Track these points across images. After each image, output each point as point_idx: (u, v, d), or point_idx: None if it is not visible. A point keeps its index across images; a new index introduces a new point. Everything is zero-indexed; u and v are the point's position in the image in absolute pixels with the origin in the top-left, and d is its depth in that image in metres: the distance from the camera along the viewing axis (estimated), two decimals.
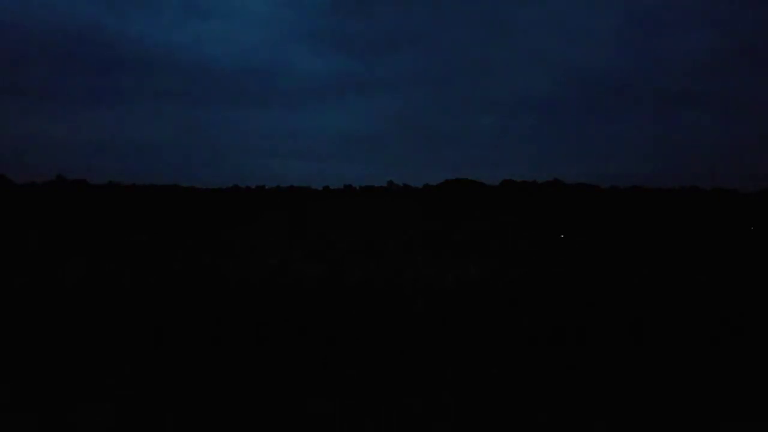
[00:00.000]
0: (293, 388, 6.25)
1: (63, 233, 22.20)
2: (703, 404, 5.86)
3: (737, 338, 8.21)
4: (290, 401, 5.90)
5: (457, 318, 9.32)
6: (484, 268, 15.10)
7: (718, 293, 11.57)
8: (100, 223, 29.79)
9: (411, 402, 5.89)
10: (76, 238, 20.65)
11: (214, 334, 8.01)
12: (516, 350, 7.63)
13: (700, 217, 39.16)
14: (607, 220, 36.67)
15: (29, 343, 7.73)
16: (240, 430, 5.33)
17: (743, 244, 21.40)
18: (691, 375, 6.70)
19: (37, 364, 6.95)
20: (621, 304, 10.39)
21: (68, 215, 34.47)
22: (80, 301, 9.56)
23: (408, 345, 7.76)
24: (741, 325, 8.91)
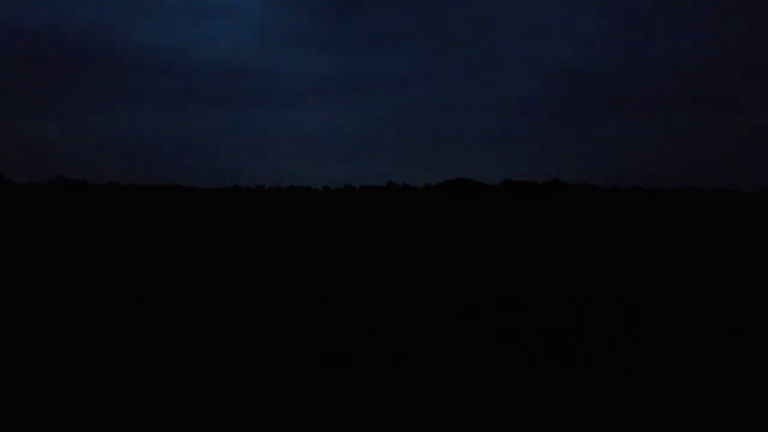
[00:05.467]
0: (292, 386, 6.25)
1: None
2: (702, 404, 5.86)
3: (737, 338, 8.21)
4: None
5: (457, 317, 9.33)
6: (484, 267, 15.10)
7: (719, 292, 11.57)
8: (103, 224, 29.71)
9: (410, 402, 5.88)
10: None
11: None
12: (515, 350, 7.63)
13: (700, 217, 39.10)
14: (607, 220, 36.64)
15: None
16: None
17: (743, 244, 21.39)
18: (691, 375, 6.69)
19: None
20: (621, 304, 10.39)
21: (68, 215, 34.40)
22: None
23: (407, 344, 7.75)
24: (741, 324, 8.91)
